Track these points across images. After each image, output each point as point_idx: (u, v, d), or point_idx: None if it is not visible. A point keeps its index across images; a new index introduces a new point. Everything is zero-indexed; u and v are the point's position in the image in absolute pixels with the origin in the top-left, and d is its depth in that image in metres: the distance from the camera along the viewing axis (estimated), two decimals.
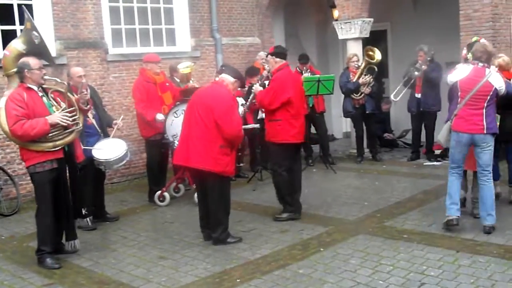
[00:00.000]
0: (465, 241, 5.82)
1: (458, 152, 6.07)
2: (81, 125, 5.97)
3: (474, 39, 7.37)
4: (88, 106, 6.43)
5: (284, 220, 6.89)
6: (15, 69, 5.99)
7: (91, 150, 6.77)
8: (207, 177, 6.01)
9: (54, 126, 5.61)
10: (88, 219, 6.64)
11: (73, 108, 5.90)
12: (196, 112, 5.96)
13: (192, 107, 6.07)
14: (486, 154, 5.96)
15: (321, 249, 5.84)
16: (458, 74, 6.04)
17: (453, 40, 9.99)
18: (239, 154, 9.78)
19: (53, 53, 8.96)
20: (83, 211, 6.30)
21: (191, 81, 8.49)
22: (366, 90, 10.05)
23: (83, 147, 6.66)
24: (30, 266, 5.80)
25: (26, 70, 5.65)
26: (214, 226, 6.13)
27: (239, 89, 8.52)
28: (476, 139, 5.92)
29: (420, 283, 4.85)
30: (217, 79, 6.50)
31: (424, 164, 9.72)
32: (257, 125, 8.38)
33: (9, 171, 8.31)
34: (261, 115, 9.39)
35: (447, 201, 6.13)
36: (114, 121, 7.29)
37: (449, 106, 6.42)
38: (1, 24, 8.68)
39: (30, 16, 6.50)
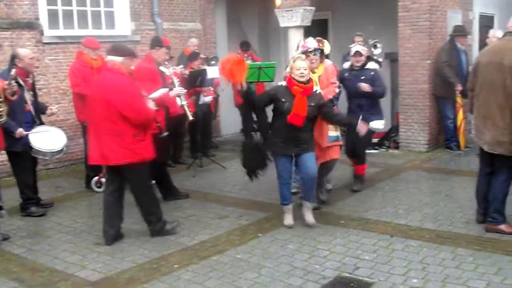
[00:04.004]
0: (399, 226, 6.00)
1: None
2: (4, 117, 5.73)
3: None
4: (15, 97, 6.02)
5: None
6: None
7: (28, 137, 6.51)
8: (124, 170, 5.69)
9: None
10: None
11: None
12: (97, 107, 5.54)
13: (93, 102, 5.64)
14: None
15: (260, 235, 5.88)
16: None
17: (393, 30, 10.19)
18: (179, 141, 9.71)
19: None
20: None
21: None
22: None
23: (24, 133, 6.45)
24: None
25: None
26: (146, 218, 5.93)
27: (180, 70, 8.35)
28: None
29: (355, 267, 4.95)
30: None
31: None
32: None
33: None
34: (203, 99, 9.33)
35: None
36: (49, 108, 7.04)
37: None
38: None
39: None
